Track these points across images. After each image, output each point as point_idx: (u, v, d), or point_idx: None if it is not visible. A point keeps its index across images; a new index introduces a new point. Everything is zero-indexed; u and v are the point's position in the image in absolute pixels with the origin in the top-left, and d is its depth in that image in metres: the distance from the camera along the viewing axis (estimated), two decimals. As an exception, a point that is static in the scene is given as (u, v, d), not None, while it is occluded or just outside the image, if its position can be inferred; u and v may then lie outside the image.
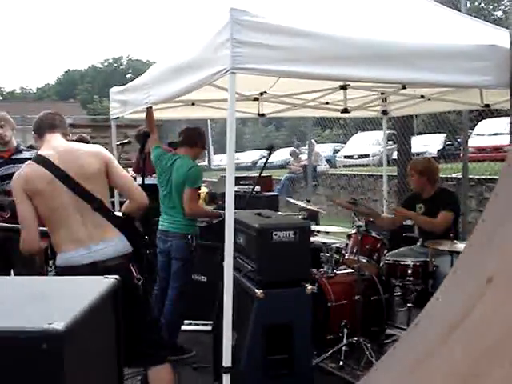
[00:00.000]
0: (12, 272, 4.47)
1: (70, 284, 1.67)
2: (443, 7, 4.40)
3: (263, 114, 6.23)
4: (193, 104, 5.69)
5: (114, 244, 3.08)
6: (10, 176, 3.45)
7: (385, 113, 6.41)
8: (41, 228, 3.11)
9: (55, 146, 3.18)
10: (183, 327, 5.56)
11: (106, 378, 1.65)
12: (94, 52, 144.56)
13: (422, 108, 6.06)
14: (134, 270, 3.12)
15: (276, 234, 3.37)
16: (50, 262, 4.03)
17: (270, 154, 4.50)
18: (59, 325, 1.25)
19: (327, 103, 5.68)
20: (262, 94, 5.63)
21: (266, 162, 4.53)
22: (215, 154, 23.90)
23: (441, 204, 4.83)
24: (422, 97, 5.27)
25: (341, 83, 4.49)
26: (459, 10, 6.44)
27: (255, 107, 6.09)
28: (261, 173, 4.77)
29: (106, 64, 70.25)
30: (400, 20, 3.76)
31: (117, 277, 1.74)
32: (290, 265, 3.42)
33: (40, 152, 3.17)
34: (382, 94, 5.40)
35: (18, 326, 1.26)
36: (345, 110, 5.03)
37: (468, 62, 3.41)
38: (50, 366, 1.24)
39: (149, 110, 4.71)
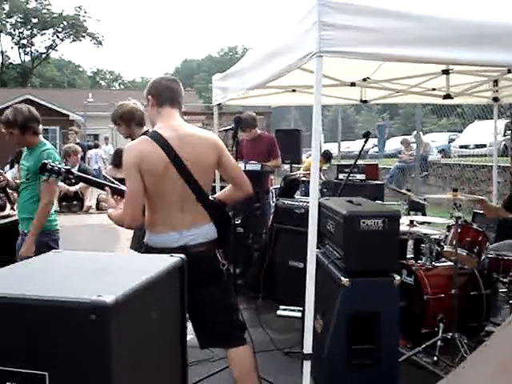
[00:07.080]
0: None
1: (134, 260, 1.72)
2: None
3: (366, 101, 6.09)
4: (293, 90, 5.66)
5: (204, 231, 3.10)
6: None
7: (496, 99, 6.04)
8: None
9: (175, 127, 3.08)
10: (280, 312, 5.63)
11: (166, 352, 1.69)
12: (210, 42, 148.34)
13: (537, 94, 5.68)
14: (219, 256, 3.17)
15: (364, 222, 3.29)
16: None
17: (366, 142, 4.39)
18: (109, 297, 1.30)
19: (434, 89, 5.45)
20: (364, 79, 5.49)
21: (361, 150, 4.44)
22: (325, 142, 23.59)
23: None
24: (532, 82, 4.92)
25: (443, 67, 4.28)
26: None
27: (358, 93, 5.97)
28: (355, 161, 4.69)
29: (221, 53, 71.86)
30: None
31: (182, 256, 1.77)
32: (377, 254, 3.33)
33: (159, 130, 3.05)
34: (488, 79, 5.09)
35: (72, 297, 1.32)
36: (447, 96, 4.79)
37: None
38: (98, 337, 1.29)
39: None
